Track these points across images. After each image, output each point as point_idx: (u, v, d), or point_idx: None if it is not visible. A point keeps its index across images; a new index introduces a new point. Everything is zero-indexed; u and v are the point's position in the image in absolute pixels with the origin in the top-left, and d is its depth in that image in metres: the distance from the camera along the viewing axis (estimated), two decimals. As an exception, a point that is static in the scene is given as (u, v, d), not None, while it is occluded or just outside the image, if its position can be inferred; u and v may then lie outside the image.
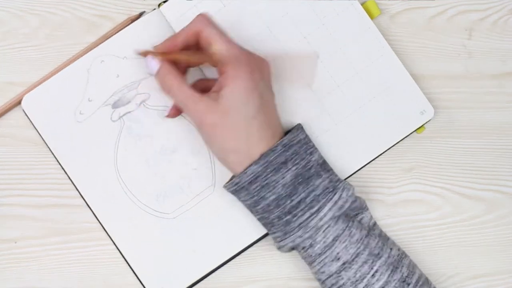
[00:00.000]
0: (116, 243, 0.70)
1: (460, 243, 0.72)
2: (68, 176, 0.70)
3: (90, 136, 0.70)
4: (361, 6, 0.71)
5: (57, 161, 0.70)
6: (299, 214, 0.64)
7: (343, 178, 0.70)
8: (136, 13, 0.72)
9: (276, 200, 0.64)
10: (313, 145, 0.67)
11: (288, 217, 0.64)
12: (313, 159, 0.66)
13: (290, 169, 0.64)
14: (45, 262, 0.71)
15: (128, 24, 0.71)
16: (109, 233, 0.70)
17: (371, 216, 0.68)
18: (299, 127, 0.67)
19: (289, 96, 0.71)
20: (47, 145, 0.70)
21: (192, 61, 0.66)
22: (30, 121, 0.70)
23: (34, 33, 0.72)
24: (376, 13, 0.72)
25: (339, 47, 0.71)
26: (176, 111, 0.69)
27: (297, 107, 0.71)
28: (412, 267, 0.66)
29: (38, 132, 0.70)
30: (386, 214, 0.72)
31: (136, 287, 0.71)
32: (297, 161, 0.64)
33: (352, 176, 0.71)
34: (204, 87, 0.67)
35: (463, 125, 0.73)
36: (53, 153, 0.70)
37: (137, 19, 0.71)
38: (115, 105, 0.70)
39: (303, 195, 0.64)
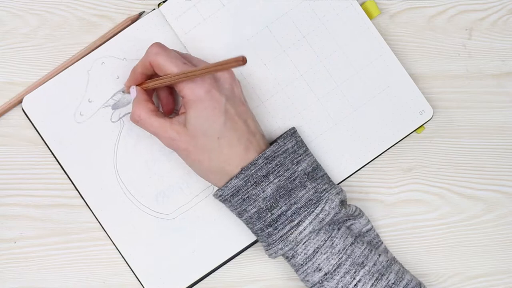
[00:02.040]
0: (115, 243, 0.70)
1: (460, 243, 0.72)
2: (68, 176, 0.70)
3: (90, 137, 0.70)
4: (360, 6, 0.71)
5: (57, 161, 0.70)
6: (280, 228, 0.64)
7: (342, 178, 0.70)
8: (135, 13, 0.72)
9: (257, 213, 0.64)
10: (303, 152, 0.67)
11: (269, 229, 0.65)
12: (300, 168, 0.66)
13: (272, 181, 0.64)
14: (45, 262, 0.71)
15: (128, 25, 0.71)
16: (108, 233, 0.70)
17: (367, 222, 0.68)
18: (287, 135, 0.67)
19: (288, 96, 0.71)
20: (47, 145, 0.70)
21: (160, 86, 0.65)
22: (30, 121, 0.70)
23: (33, 33, 0.72)
24: (375, 13, 0.72)
25: (338, 47, 0.71)
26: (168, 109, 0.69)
27: (296, 107, 0.71)
28: (402, 273, 0.66)
29: (38, 132, 0.70)
30: (385, 214, 0.72)
31: (135, 287, 0.71)
32: (280, 173, 0.64)
33: (352, 176, 0.71)
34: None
35: (463, 125, 0.73)
36: (53, 154, 0.70)
37: (137, 19, 0.71)
38: (115, 106, 0.70)
39: (284, 208, 0.64)
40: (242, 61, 0.55)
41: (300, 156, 0.66)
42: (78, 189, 0.70)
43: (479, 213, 0.73)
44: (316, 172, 0.67)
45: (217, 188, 0.65)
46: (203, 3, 0.71)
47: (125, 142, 0.70)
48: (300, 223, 0.64)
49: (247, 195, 0.64)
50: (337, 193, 0.66)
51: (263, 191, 0.64)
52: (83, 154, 0.70)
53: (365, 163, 0.71)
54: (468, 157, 0.73)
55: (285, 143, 0.66)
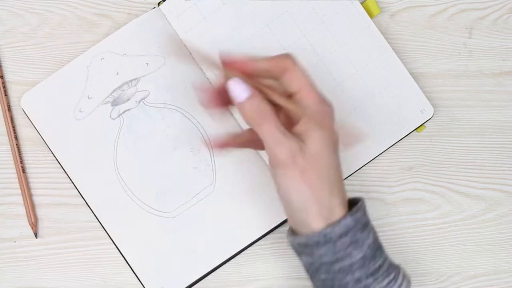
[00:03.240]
0: (115, 243, 0.70)
1: (460, 241, 0.72)
2: (67, 174, 0.70)
3: (89, 134, 0.70)
4: (360, 5, 0.71)
5: (56, 159, 0.70)
6: (380, 279, 0.59)
7: (343, 178, 0.70)
8: (136, 12, 0.72)
9: (362, 260, 0.58)
10: None
11: (368, 280, 0.59)
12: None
13: (371, 231, 0.60)
14: (45, 262, 0.71)
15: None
16: (108, 232, 0.70)
17: None
18: (362, 200, 0.62)
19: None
20: (46, 143, 0.70)
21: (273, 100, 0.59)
22: (29, 119, 0.70)
23: (33, 32, 0.72)
24: (376, 12, 0.72)
25: (339, 46, 0.71)
26: (219, 101, 0.61)
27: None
28: None
29: (37, 131, 0.70)
30: (386, 213, 0.72)
31: (135, 286, 0.71)
32: (371, 226, 0.61)
33: (352, 175, 0.71)
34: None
35: (463, 124, 0.73)
36: (52, 152, 0.70)
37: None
38: (114, 103, 0.70)
39: (380, 261, 0.60)
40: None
41: None
42: (78, 188, 0.70)
43: (480, 212, 0.73)
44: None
45: (319, 226, 0.58)
46: (203, 1, 0.71)
47: (125, 139, 0.70)
48: (396, 278, 0.60)
49: (355, 237, 0.58)
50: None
51: (368, 238, 0.59)
52: (82, 151, 0.70)
53: (366, 162, 0.71)
54: (469, 156, 0.73)
55: (363, 202, 0.62)
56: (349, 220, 0.58)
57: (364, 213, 0.60)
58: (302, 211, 0.58)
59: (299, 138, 0.58)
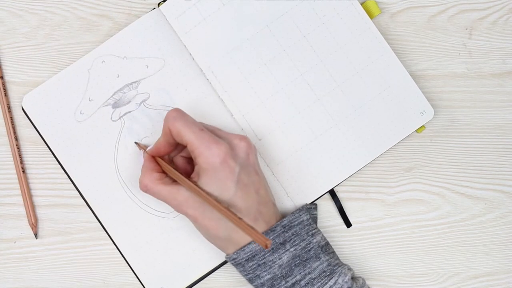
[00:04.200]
0: (116, 243, 0.70)
1: (460, 242, 0.72)
2: (68, 175, 0.70)
3: (90, 136, 0.70)
4: (360, 6, 0.71)
5: (57, 160, 0.70)
6: None
7: (343, 178, 0.70)
8: (136, 13, 0.72)
9: (271, 280, 0.64)
10: (316, 227, 0.67)
11: None
12: (314, 240, 0.66)
13: (288, 249, 0.64)
14: (45, 262, 0.71)
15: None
16: (109, 232, 0.70)
17: None
18: (302, 208, 0.67)
19: (288, 96, 0.71)
20: (47, 144, 0.70)
21: (170, 175, 0.65)
22: (30, 120, 0.70)
23: (33, 32, 0.72)
24: (376, 13, 0.72)
25: (339, 47, 0.71)
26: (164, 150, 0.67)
27: (296, 106, 0.71)
28: None
29: (38, 132, 0.70)
30: (386, 214, 0.72)
31: (135, 286, 0.71)
32: (296, 242, 0.64)
33: (352, 176, 0.71)
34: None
35: (463, 125, 0.73)
36: (53, 153, 0.70)
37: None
38: (115, 105, 0.70)
39: (298, 277, 0.64)
40: (266, 245, 0.56)
41: (314, 229, 0.66)
42: (78, 188, 0.70)
43: (480, 212, 0.73)
44: (328, 247, 0.67)
45: (233, 251, 0.64)
46: (203, 2, 0.71)
47: (125, 141, 0.70)
48: None
49: (263, 260, 0.64)
50: (349, 269, 0.66)
51: (280, 258, 0.64)
52: (83, 153, 0.70)
53: (366, 164, 0.71)
54: (469, 156, 0.73)
55: (300, 215, 0.66)
56: (254, 246, 0.63)
57: (283, 231, 0.64)
58: (210, 242, 0.66)
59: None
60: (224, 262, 0.70)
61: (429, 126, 0.73)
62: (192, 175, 0.64)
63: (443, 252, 0.72)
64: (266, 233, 0.63)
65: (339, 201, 0.72)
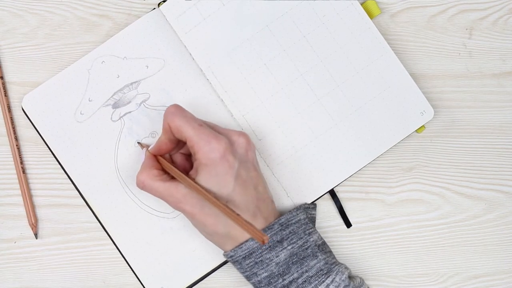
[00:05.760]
0: (116, 243, 0.70)
1: (460, 242, 0.72)
2: (68, 176, 0.70)
3: (90, 136, 0.70)
4: (360, 6, 0.71)
5: (57, 161, 0.70)
6: None
7: (343, 178, 0.70)
8: (136, 13, 0.72)
9: (268, 278, 0.64)
10: (313, 227, 0.67)
11: None
12: (311, 239, 0.66)
13: (285, 247, 0.64)
14: (45, 262, 0.71)
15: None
16: (109, 233, 0.70)
17: None
18: (300, 207, 0.67)
19: (288, 96, 0.71)
20: (47, 145, 0.70)
21: (172, 174, 0.65)
22: (30, 121, 0.70)
23: (33, 32, 0.72)
24: (376, 13, 0.72)
25: (339, 47, 0.71)
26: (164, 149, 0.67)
27: (296, 107, 0.71)
28: None
29: (38, 132, 0.70)
30: (386, 214, 0.72)
31: (135, 287, 0.71)
32: (293, 240, 0.64)
33: (352, 176, 0.71)
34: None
35: (463, 125, 0.73)
36: (53, 153, 0.70)
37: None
38: (115, 105, 0.70)
39: (295, 275, 0.64)
40: (263, 241, 0.56)
41: (311, 228, 0.67)
42: (79, 189, 0.70)
43: (480, 212, 0.73)
44: (325, 246, 0.67)
45: (230, 249, 0.64)
46: (203, 2, 0.71)
47: (125, 141, 0.70)
48: None
49: (260, 258, 0.64)
50: (346, 268, 0.66)
51: (277, 256, 0.64)
52: (83, 153, 0.70)
53: (366, 164, 0.71)
54: (469, 156, 0.73)
55: (297, 214, 0.66)
56: (252, 243, 0.63)
57: (281, 229, 0.64)
58: (208, 239, 0.66)
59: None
60: (224, 263, 0.70)
61: (429, 126, 0.73)
62: (191, 172, 0.64)
63: (443, 252, 0.72)
64: (264, 230, 0.63)
65: (339, 201, 0.72)
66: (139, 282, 0.70)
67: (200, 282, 0.70)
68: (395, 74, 0.71)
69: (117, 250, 0.70)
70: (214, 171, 0.62)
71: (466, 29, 0.74)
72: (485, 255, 0.72)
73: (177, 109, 0.63)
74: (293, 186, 0.70)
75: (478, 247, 0.72)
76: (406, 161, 0.73)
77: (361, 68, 0.71)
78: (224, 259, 0.70)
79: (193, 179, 0.62)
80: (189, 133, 0.62)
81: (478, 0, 0.74)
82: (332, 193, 0.71)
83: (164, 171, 0.65)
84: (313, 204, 0.70)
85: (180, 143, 0.67)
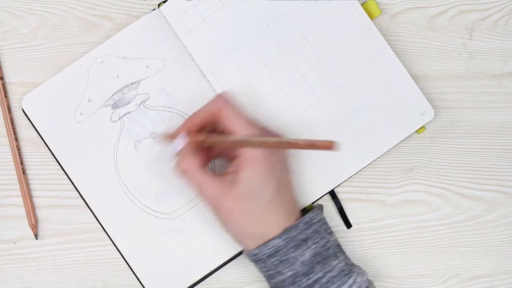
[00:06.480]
0: (116, 244, 0.70)
1: (461, 243, 0.72)
2: (68, 176, 0.70)
3: (90, 137, 0.70)
4: (361, 6, 0.71)
5: (57, 161, 0.70)
6: None
7: (343, 179, 0.70)
8: (136, 13, 0.72)
9: (292, 277, 0.63)
10: (330, 227, 0.67)
11: None
12: (332, 239, 0.66)
13: (310, 247, 0.64)
14: (45, 263, 0.71)
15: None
16: (109, 233, 0.70)
17: None
18: (320, 207, 0.67)
19: (288, 96, 0.71)
20: (47, 145, 0.70)
21: (217, 145, 0.64)
22: (30, 121, 0.70)
23: (33, 33, 0.72)
24: (376, 13, 0.72)
25: (339, 47, 0.71)
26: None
27: (296, 107, 0.71)
28: None
29: (38, 132, 0.70)
30: (386, 215, 0.72)
31: (135, 287, 0.71)
32: (317, 240, 0.64)
33: (353, 177, 0.71)
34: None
35: (464, 125, 0.73)
36: (53, 153, 0.70)
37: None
38: (115, 106, 0.70)
39: (319, 274, 0.63)
40: (331, 147, 0.54)
41: (330, 228, 0.67)
42: (78, 189, 0.70)
43: (480, 213, 0.73)
44: (341, 247, 0.67)
45: (255, 247, 0.64)
46: (203, 3, 0.71)
47: (125, 142, 0.70)
48: None
49: (285, 257, 0.63)
50: (362, 269, 0.66)
51: (302, 255, 0.63)
52: (83, 153, 0.70)
53: (366, 164, 0.71)
54: (469, 157, 0.73)
55: (319, 213, 0.66)
56: (278, 241, 0.63)
57: (306, 228, 0.64)
58: (236, 238, 0.65)
59: (231, 178, 0.62)
60: (225, 263, 0.70)
61: (430, 126, 0.72)
62: (229, 169, 0.64)
63: (443, 253, 0.72)
64: (289, 228, 0.63)
65: (339, 202, 0.72)
66: (139, 283, 0.70)
67: (200, 283, 0.70)
68: (395, 74, 0.71)
69: (117, 251, 0.70)
70: (258, 167, 0.62)
71: (467, 29, 0.74)
72: (485, 256, 0.72)
73: (228, 100, 0.63)
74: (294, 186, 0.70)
75: (478, 247, 0.72)
76: (407, 161, 0.73)
77: (361, 68, 0.71)
78: (224, 260, 0.70)
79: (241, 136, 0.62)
80: (239, 126, 0.62)
81: (478, 0, 0.74)
82: (332, 193, 0.71)
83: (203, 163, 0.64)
84: (321, 205, 0.70)
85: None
